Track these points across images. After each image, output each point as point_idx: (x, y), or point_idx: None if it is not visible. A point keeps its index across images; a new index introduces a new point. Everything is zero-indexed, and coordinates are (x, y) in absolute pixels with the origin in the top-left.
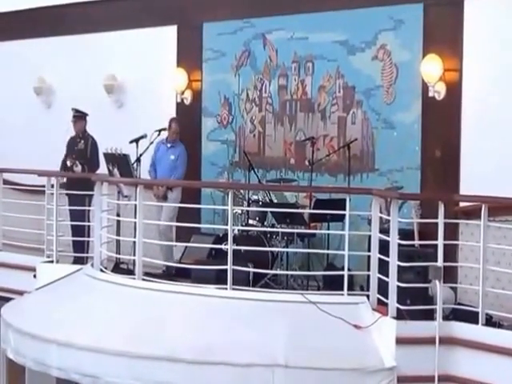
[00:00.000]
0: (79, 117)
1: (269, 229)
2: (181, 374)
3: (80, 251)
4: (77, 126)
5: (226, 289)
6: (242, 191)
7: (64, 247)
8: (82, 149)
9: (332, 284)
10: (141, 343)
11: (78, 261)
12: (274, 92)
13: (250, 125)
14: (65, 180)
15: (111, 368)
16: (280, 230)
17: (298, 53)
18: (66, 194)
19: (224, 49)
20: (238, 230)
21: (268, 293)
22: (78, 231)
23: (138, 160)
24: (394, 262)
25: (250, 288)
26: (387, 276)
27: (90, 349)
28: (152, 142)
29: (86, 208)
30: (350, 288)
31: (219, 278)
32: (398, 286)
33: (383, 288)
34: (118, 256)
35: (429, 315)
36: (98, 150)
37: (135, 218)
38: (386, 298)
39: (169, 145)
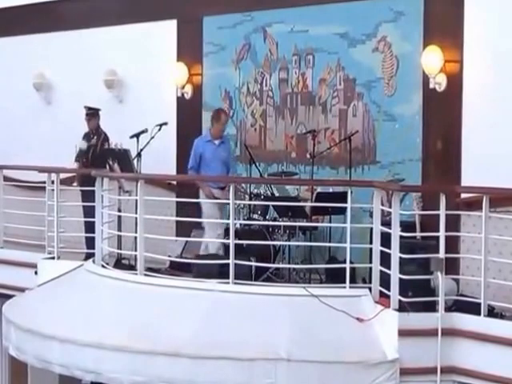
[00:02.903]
0: (92, 114)
1: (271, 222)
2: (183, 369)
3: (92, 247)
4: (91, 123)
5: (229, 283)
6: (243, 185)
7: (66, 243)
8: (94, 144)
9: (334, 277)
10: (143, 339)
11: (90, 257)
12: (274, 85)
13: (251, 118)
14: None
15: (113, 364)
16: (282, 223)
17: (299, 46)
18: (81, 191)
19: (224, 42)
20: (240, 224)
21: (270, 286)
22: (90, 227)
23: (139, 155)
24: (395, 254)
25: (253, 282)
26: (389, 268)
27: (92, 345)
28: (153, 137)
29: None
30: (352, 281)
31: (221, 273)
32: (400, 278)
33: (385, 280)
34: (119, 252)
35: (431, 307)
36: (109, 146)
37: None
38: (388, 290)
39: (217, 142)
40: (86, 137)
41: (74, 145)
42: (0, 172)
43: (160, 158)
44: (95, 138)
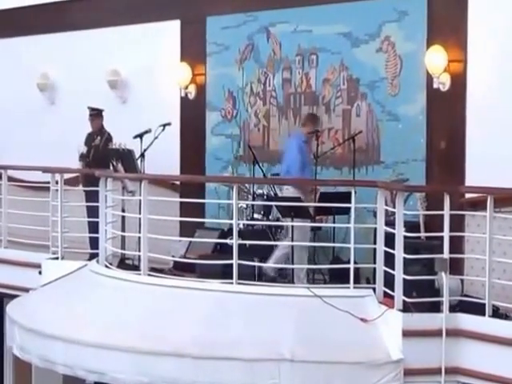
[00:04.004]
0: (95, 114)
1: (274, 223)
2: (186, 369)
3: (96, 247)
4: (94, 123)
5: (232, 283)
6: (246, 185)
7: (70, 244)
8: (97, 144)
9: (338, 277)
10: (147, 339)
11: (94, 257)
12: (278, 85)
13: (255, 118)
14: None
15: (117, 364)
16: (285, 223)
17: (302, 46)
18: (84, 191)
19: (228, 42)
20: (243, 224)
21: (274, 287)
22: (94, 227)
23: (143, 155)
24: (399, 254)
25: (256, 282)
26: (393, 268)
27: (95, 345)
28: (157, 137)
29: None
30: (356, 281)
31: (225, 273)
32: (404, 279)
33: (389, 281)
34: (123, 252)
35: (435, 307)
36: (113, 146)
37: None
38: (393, 290)
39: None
40: (89, 137)
41: (77, 145)
42: (4, 172)
43: (164, 158)
44: (98, 137)
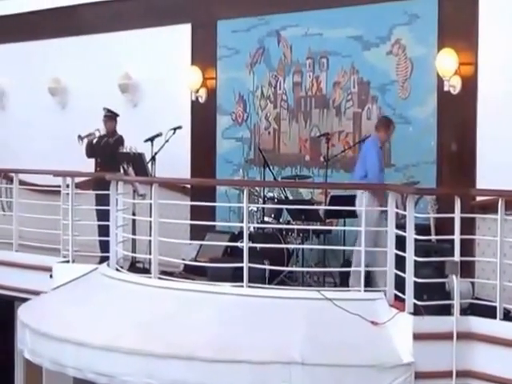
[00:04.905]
0: (110, 116)
1: (284, 226)
2: (197, 372)
3: (106, 251)
4: (108, 124)
5: (242, 286)
6: (257, 188)
7: (80, 247)
8: (110, 144)
9: (348, 280)
10: (157, 342)
11: (105, 260)
12: (288, 89)
13: (265, 122)
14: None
15: (127, 367)
16: (296, 226)
17: (313, 49)
18: (95, 194)
19: (238, 46)
20: (254, 228)
21: (284, 290)
22: (105, 231)
23: (153, 159)
24: (410, 257)
25: (266, 285)
26: (404, 271)
27: (106, 348)
28: (167, 141)
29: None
30: (367, 284)
31: (235, 276)
32: (415, 282)
33: (400, 283)
34: (134, 255)
35: (446, 310)
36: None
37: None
38: (403, 293)
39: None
40: (102, 137)
41: (95, 128)
42: (15, 176)
43: (174, 161)
44: (110, 139)
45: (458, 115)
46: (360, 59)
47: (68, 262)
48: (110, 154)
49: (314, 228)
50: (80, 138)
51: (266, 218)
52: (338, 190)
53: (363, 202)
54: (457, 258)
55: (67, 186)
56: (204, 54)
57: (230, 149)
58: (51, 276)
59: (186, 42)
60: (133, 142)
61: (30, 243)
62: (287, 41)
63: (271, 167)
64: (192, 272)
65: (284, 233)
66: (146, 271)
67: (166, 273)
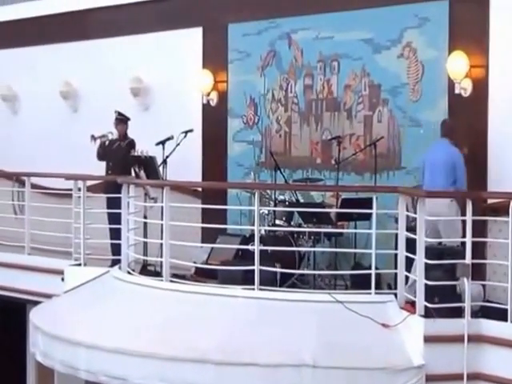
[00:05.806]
0: (121, 119)
1: (295, 229)
2: (209, 375)
3: (118, 254)
4: (119, 127)
5: (254, 289)
6: (268, 191)
7: (92, 250)
8: (122, 147)
9: (359, 283)
10: (169, 345)
11: (116, 263)
12: (299, 92)
13: (276, 125)
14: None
15: (139, 370)
16: (307, 229)
17: (324, 52)
18: (106, 197)
19: (249, 49)
20: (265, 231)
21: (295, 293)
22: (116, 234)
23: (165, 162)
24: (421, 259)
25: (278, 288)
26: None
27: (118, 351)
28: (179, 144)
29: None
30: (378, 287)
31: (246, 279)
32: (426, 284)
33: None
34: (145, 258)
35: (457, 313)
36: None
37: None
38: (414, 296)
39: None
40: (114, 140)
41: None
42: (27, 180)
43: (185, 164)
44: (122, 142)
45: (469, 118)
46: (371, 62)
47: (80, 265)
48: (121, 157)
49: (325, 231)
50: (93, 137)
51: (278, 221)
52: (350, 192)
53: (454, 209)
54: (468, 260)
55: (79, 189)
56: (215, 57)
57: (241, 152)
58: (63, 279)
59: (197, 45)
60: (144, 145)
61: (42, 246)
62: (298, 44)
63: (282, 170)
64: (203, 275)
65: (295, 235)
66: (157, 274)
67: (178, 276)
